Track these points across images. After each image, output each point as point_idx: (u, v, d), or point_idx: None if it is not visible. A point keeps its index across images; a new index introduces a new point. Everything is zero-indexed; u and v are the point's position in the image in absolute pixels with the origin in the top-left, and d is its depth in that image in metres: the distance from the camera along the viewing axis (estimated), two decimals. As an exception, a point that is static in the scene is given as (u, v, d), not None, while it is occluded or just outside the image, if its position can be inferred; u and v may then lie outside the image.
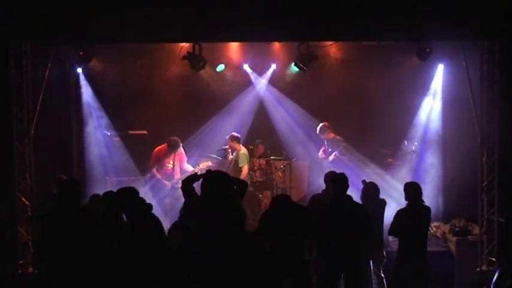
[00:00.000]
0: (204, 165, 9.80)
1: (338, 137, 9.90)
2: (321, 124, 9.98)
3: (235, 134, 10.20)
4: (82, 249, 5.41)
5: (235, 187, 5.74)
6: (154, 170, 9.80)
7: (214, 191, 5.15)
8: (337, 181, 6.53)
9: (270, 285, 4.51)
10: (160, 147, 9.89)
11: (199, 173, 7.31)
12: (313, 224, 6.14)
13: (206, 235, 4.68)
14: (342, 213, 6.32)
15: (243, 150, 10.17)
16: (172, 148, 9.75)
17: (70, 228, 5.51)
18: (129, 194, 5.62)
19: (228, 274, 4.44)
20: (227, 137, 10.19)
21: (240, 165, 10.04)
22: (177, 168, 9.87)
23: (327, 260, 6.43)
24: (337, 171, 7.46)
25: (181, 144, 9.92)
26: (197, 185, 5.74)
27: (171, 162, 9.83)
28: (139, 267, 5.05)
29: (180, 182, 9.48)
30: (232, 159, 10.19)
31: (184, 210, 5.57)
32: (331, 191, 7.21)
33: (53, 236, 5.56)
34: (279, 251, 5.72)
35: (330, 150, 9.85)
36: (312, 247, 6.25)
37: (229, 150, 10.24)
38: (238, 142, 10.16)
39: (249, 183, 10.05)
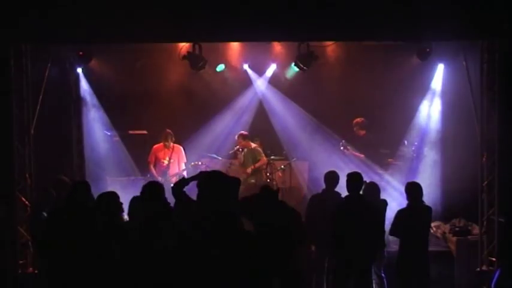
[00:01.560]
0: (194, 164, 9.88)
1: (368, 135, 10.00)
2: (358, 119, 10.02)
3: (244, 132, 10.27)
4: (84, 249, 5.41)
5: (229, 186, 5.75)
6: (151, 166, 9.86)
7: (211, 191, 5.14)
8: (352, 179, 6.54)
9: (264, 284, 4.50)
10: (159, 143, 9.95)
11: (186, 176, 7.37)
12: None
13: (202, 235, 4.67)
14: (355, 212, 6.34)
15: (254, 144, 10.27)
16: (164, 140, 9.78)
17: (75, 228, 5.51)
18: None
19: (223, 273, 4.43)
20: (236, 137, 10.21)
21: (259, 158, 10.15)
22: (173, 166, 9.87)
23: (339, 258, 6.44)
24: (336, 171, 7.53)
25: (181, 147, 9.96)
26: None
27: (167, 158, 9.84)
28: (138, 266, 5.06)
29: (172, 179, 9.61)
30: (241, 157, 10.22)
31: (176, 212, 5.57)
32: (332, 190, 7.24)
33: (56, 235, 5.56)
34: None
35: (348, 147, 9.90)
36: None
37: (241, 149, 10.28)
38: (249, 139, 10.23)
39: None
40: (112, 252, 5.32)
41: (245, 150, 10.25)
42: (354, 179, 6.54)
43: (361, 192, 6.67)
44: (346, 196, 6.62)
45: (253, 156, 10.20)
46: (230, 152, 10.40)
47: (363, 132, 9.99)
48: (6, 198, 7.97)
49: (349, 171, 6.81)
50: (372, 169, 9.62)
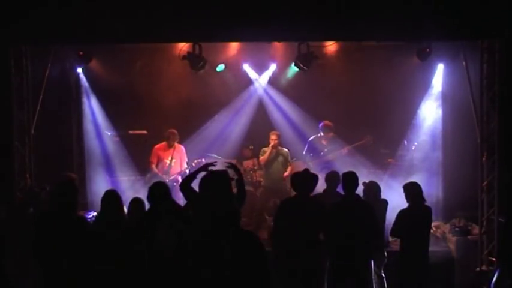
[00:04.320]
0: (197, 162, 9.87)
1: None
2: (324, 122, 9.94)
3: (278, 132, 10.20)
4: (68, 253, 5.39)
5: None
6: (153, 166, 9.81)
7: (213, 190, 5.12)
8: (346, 179, 6.51)
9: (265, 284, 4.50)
10: (161, 144, 9.93)
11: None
12: None
13: (200, 234, 4.66)
14: (351, 212, 6.31)
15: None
16: (169, 140, 9.76)
17: (59, 233, 5.48)
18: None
19: (222, 275, 4.42)
20: (273, 134, 10.03)
21: (288, 164, 10.06)
22: (176, 166, 9.85)
23: (334, 259, 6.43)
24: (333, 170, 7.53)
25: (182, 146, 9.95)
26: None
27: (170, 158, 9.80)
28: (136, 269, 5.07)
29: (176, 179, 9.59)
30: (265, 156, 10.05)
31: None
32: (333, 190, 7.23)
33: (43, 239, 5.55)
34: None
35: (326, 149, 9.89)
36: None
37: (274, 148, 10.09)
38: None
39: (249, 182, 10.17)
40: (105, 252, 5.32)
41: (278, 149, 10.03)
42: (349, 179, 6.51)
43: (357, 192, 6.64)
44: (342, 196, 6.59)
45: (285, 158, 10.05)
46: (251, 147, 10.39)
47: (332, 134, 9.99)
48: (6, 198, 7.96)
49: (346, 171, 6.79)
50: (372, 170, 9.62)
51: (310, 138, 10.02)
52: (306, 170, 6.77)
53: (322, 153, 9.91)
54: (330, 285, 6.70)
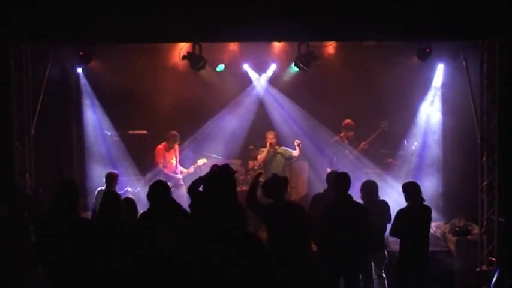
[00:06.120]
0: (201, 162, 9.87)
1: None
2: (346, 121, 9.96)
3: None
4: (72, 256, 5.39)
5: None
6: (161, 166, 9.82)
7: (218, 186, 5.07)
8: (338, 180, 6.49)
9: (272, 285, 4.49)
10: (161, 144, 9.94)
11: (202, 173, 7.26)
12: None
13: (206, 235, 4.65)
14: (342, 213, 6.29)
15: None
16: (170, 142, 9.80)
17: (60, 233, 5.47)
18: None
19: (228, 276, 4.42)
20: (269, 134, 10.08)
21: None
22: (178, 166, 9.93)
23: (327, 260, 6.42)
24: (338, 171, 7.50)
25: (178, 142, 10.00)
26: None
27: (174, 157, 9.87)
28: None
29: (182, 178, 9.63)
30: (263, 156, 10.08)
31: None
32: (333, 191, 7.22)
33: (44, 239, 5.54)
34: None
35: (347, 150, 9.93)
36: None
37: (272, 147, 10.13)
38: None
39: (249, 182, 10.14)
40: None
41: (276, 148, 10.03)
42: (341, 180, 6.46)
43: (349, 192, 6.59)
44: (334, 196, 6.51)
45: (283, 156, 10.05)
46: (251, 147, 10.41)
47: (351, 132, 10.00)
48: (6, 198, 7.95)
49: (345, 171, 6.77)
50: (378, 171, 9.61)
51: (334, 140, 9.98)
52: (275, 175, 6.65)
53: (347, 152, 9.86)
54: (322, 285, 6.68)
